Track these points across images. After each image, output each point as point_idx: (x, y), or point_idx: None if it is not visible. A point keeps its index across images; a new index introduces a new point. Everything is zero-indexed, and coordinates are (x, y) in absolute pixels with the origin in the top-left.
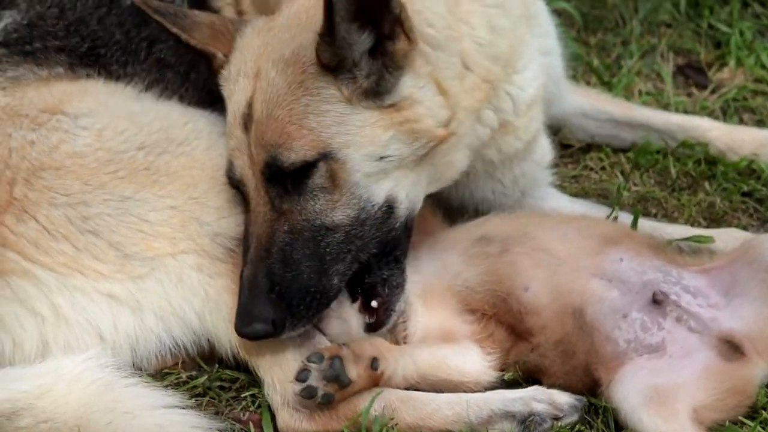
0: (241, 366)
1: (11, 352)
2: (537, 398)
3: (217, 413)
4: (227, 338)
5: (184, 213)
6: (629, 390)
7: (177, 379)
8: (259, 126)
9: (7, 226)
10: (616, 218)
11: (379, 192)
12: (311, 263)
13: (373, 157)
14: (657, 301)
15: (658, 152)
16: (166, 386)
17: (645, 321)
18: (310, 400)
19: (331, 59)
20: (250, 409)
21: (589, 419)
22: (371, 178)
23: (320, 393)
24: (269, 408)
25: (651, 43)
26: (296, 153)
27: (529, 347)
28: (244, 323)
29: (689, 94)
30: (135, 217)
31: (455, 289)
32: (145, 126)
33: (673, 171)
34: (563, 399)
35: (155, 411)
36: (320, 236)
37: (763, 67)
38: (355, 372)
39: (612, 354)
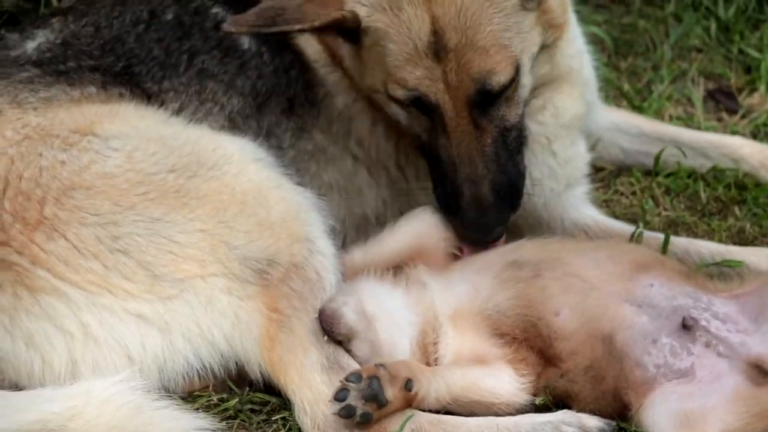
0: (272, 389)
1: (41, 371)
2: (566, 422)
3: None
4: (257, 361)
5: (214, 236)
6: (660, 414)
7: (208, 401)
8: (460, 55)
9: (37, 243)
10: (640, 236)
11: (528, 86)
12: (509, 161)
13: (533, 56)
14: (686, 327)
15: (689, 177)
16: (197, 409)
17: (674, 346)
18: (348, 419)
19: None
20: (281, 431)
21: None
22: (527, 75)
23: (359, 412)
24: (299, 430)
25: (681, 67)
26: (503, 75)
27: (559, 372)
28: (485, 233)
29: (719, 119)
30: (165, 238)
31: (486, 313)
32: (175, 149)
33: (703, 196)
34: (592, 423)
35: None
36: (506, 137)
37: None
38: (391, 392)
39: (641, 379)
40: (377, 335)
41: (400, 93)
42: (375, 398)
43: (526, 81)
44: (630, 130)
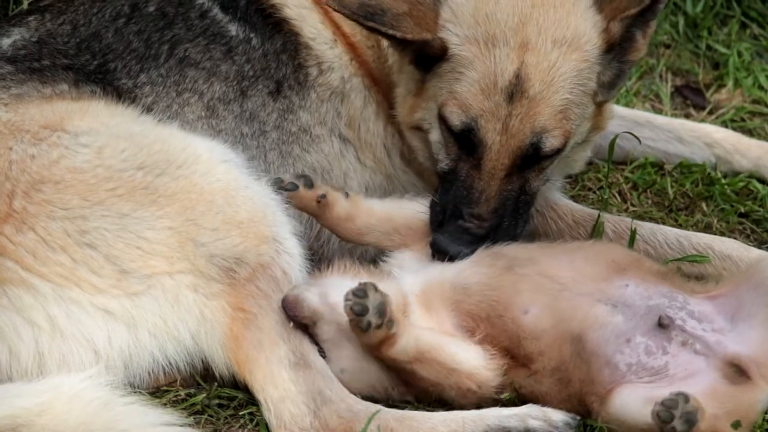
0: (239, 384)
1: (8, 363)
2: (532, 415)
3: (215, 431)
4: (222, 359)
5: (182, 233)
6: (629, 398)
7: (175, 396)
8: (533, 105)
9: (6, 235)
10: (602, 225)
11: (552, 169)
12: (512, 218)
13: (575, 143)
14: (662, 326)
15: (656, 172)
16: (164, 404)
17: (649, 345)
18: (359, 317)
19: (611, 44)
20: (249, 427)
21: None
22: (562, 156)
23: (373, 321)
24: (267, 426)
25: (649, 63)
26: (557, 141)
27: (527, 373)
28: (453, 246)
29: (687, 115)
30: (133, 234)
31: (452, 285)
32: (145, 147)
33: (670, 191)
34: (558, 417)
35: (153, 429)
36: (521, 198)
37: (761, 88)
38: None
39: (609, 378)
40: (344, 319)
41: (456, 117)
42: (382, 314)
43: (557, 162)
44: None
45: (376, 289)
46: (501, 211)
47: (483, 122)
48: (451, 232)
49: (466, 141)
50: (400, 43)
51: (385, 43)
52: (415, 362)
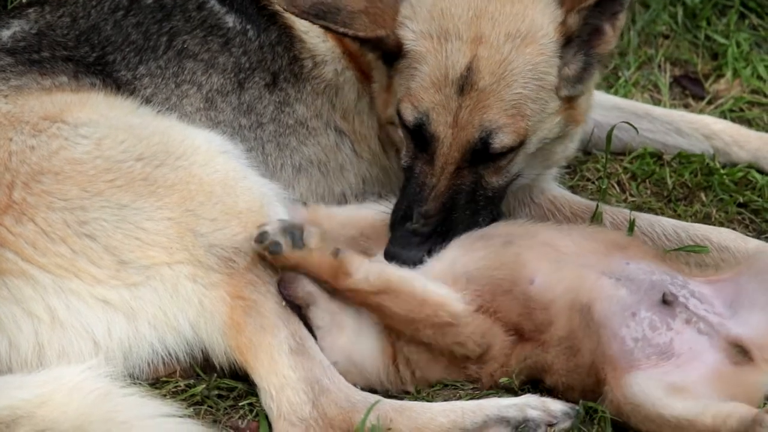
0: (239, 374)
1: (7, 354)
2: (531, 405)
3: (215, 422)
4: (222, 348)
5: (180, 224)
6: (647, 384)
7: (175, 387)
8: (482, 98)
9: (5, 226)
10: (600, 216)
11: (520, 166)
12: (464, 217)
13: (540, 141)
14: (666, 302)
15: (655, 162)
16: (164, 395)
17: (654, 320)
18: (259, 244)
19: (569, 37)
20: (248, 417)
21: (585, 430)
22: (523, 155)
23: (270, 239)
24: (266, 417)
25: (648, 54)
26: (508, 139)
27: (533, 345)
28: (404, 252)
29: (686, 105)
30: (132, 224)
31: (453, 275)
32: (144, 138)
33: (669, 181)
34: (557, 406)
35: (152, 420)
36: (477, 196)
37: (759, 78)
38: (314, 241)
39: (619, 352)
40: (339, 307)
41: (409, 113)
42: (291, 234)
43: (520, 160)
44: (604, 103)
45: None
46: (450, 206)
47: (434, 115)
48: (399, 239)
49: (419, 136)
50: (356, 41)
51: None
52: (382, 294)
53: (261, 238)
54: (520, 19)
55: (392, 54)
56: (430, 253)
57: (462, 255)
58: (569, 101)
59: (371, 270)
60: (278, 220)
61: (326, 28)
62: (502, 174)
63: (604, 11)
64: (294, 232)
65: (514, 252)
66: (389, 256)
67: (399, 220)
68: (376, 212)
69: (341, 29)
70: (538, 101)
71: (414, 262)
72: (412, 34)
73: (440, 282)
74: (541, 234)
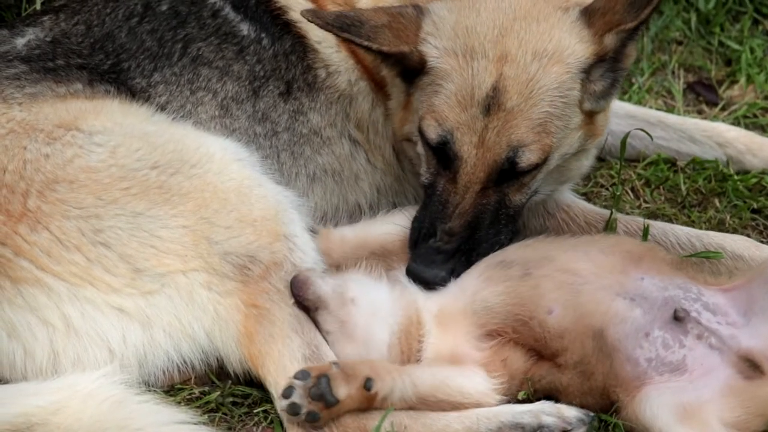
0: (253, 382)
1: (22, 362)
2: (546, 411)
3: (229, 429)
4: (236, 356)
5: (195, 232)
6: (658, 406)
7: (190, 395)
8: (510, 118)
9: (20, 235)
10: (615, 222)
11: (539, 182)
12: (489, 235)
13: (561, 157)
14: (678, 318)
15: (669, 168)
16: (179, 402)
17: (666, 338)
18: (294, 416)
19: (603, 56)
20: (263, 424)
21: None
22: (545, 171)
23: (304, 410)
24: (281, 424)
25: (662, 60)
26: (535, 157)
27: (550, 366)
28: (428, 271)
29: (699, 111)
30: (146, 232)
31: (473, 308)
32: (159, 146)
33: (683, 187)
34: (571, 413)
35: (167, 427)
36: (499, 213)
37: None
38: (344, 391)
39: (632, 374)
40: (351, 317)
41: (432, 130)
42: (322, 397)
43: (541, 177)
44: (618, 111)
45: (308, 374)
46: (474, 225)
47: (459, 135)
48: (422, 256)
49: (442, 154)
50: (379, 55)
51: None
52: (420, 405)
53: (292, 409)
54: (547, 38)
55: (413, 70)
56: (452, 273)
57: (483, 288)
58: (590, 116)
59: (405, 387)
60: (300, 383)
61: (350, 41)
62: (524, 191)
63: (639, 31)
64: (321, 391)
65: (532, 284)
66: (412, 274)
67: (422, 237)
68: (390, 227)
69: (365, 43)
70: (563, 117)
71: (437, 281)
72: (435, 50)
73: (476, 366)
74: (559, 259)
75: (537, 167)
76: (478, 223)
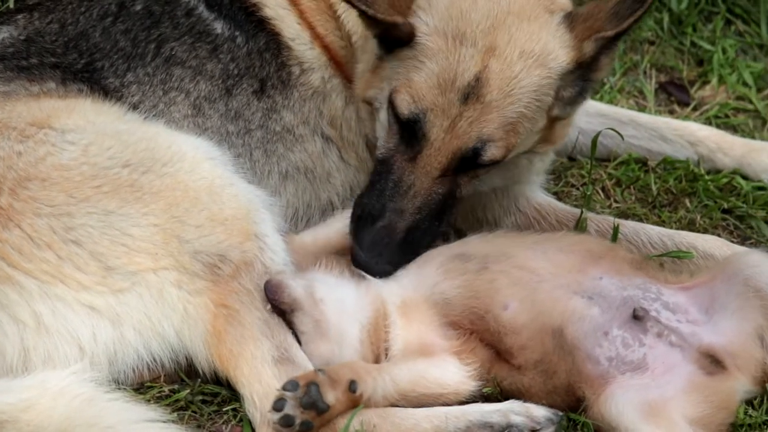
0: (222, 380)
1: None
2: (515, 411)
3: (199, 427)
4: (204, 355)
5: (166, 231)
6: (624, 405)
7: (159, 392)
8: (486, 111)
9: None
10: (585, 221)
11: (494, 179)
12: (437, 218)
13: (514, 156)
14: (637, 317)
15: (639, 168)
16: (148, 400)
17: (626, 337)
18: (288, 428)
19: (580, 63)
20: (232, 422)
21: None
22: (498, 168)
23: (298, 421)
24: (250, 423)
25: (633, 60)
26: (498, 153)
27: (510, 368)
28: (375, 263)
29: (671, 111)
30: (118, 230)
31: (432, 300)
32: (130, 145)
33: (654, 187)
34: (540, 412)
35: (137, 425)
36: (448, 198)
37: (745, 84)
38: (333, 396)
39: (594, 372)
40: (324, 316)
41: (406, 105)
42: (314, 405)
43: (493, 172)
44: (589, 110)
45: (297, 384)
46: (424, 211)
47: (432, 116)
48: (369, 246)
49: (409, 131)
50: (369, 19)
51: (354, 37)
52: (402, 400)
53: (285, 422)
54: (536, 39)
55: (397, 40)
56: (397, 266)
57: (442, 280)
58: (552, 122)
59: (386, 385)
60: (290, 394)
61: (348, 2)
62: (474, 183)
63: (617, 41)
64: (313, 399)
65: (488, 279)
66: (358, 264)
67: (366, 219)
68: (341, 231)
69: (362, 6)
70: (532, 120)
71: (383, 275)
72: (426, 27)
73: (447, 355)
74: (517, 256)
75: (495, 163)
76: (427, 209)
